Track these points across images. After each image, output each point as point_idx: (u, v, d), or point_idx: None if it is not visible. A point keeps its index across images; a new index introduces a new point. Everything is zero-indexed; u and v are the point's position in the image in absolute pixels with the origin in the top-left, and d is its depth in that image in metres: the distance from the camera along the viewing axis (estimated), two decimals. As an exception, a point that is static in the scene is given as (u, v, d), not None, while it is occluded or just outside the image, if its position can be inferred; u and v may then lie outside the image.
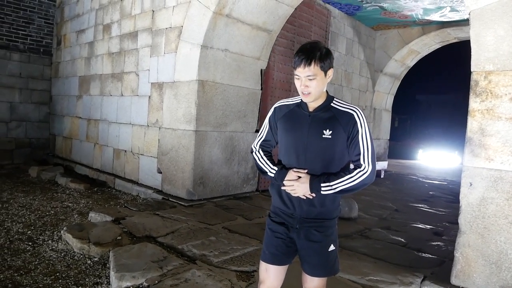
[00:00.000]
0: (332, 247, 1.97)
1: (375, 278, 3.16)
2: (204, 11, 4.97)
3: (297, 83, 1.82)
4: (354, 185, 1.80)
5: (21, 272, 3.21)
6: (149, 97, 5.93)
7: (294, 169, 1.86)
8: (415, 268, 3.47)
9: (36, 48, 8.54)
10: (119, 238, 3.75)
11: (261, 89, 6.02)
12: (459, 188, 2.95)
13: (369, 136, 1.82)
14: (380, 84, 10.56)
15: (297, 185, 1.83)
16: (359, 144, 1.81)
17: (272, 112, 2.04)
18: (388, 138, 11.79)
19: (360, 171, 1.80)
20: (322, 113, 1.86)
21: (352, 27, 9.23)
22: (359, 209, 5.43)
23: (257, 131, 6.05)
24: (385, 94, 11.03)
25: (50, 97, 8.87)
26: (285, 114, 1.96)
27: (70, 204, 5.37)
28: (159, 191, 5.66)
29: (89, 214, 4.63)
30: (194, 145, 5.16)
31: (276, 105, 2.04)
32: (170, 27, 5.52)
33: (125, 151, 6.47)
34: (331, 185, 1.80)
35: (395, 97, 11.62)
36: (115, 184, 6.50)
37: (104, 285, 3.03)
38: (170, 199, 5.33)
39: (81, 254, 3.58)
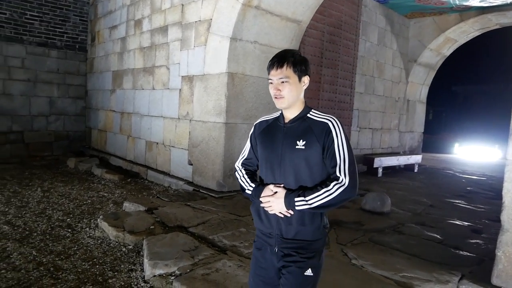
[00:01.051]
0: (309, 272, 1.75)
1: (409, 275, 3.09)
2: (233, 3, 4.98)
3: (270, 89, 1.73)
4: (332, 199, 1.63)
5: (62, 257, 3.36)
6: (180, 90, 6.01)
7: (271, 185, 1.75)
8: (452, 266, 3.34)
9: (72, 45, 8.83)
10: (152, 227, 3.85)
11: (291, 81, 5.98)
12: (500, 184, 2.82)
13: (347, 145, 1.69)
14: (414, 75, 10.26)
15: (272, 201, 1.72)
16: (335, 155, 1.67)
17: (253, 130, 1.97)
18: (422, 131, 11.47)
19: (337, 183, 1.65)
20: (297, 124, 1.75)
21: (384, 16, 9.00)
22: (392, 204, 5.32)
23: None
24: (419, 85, 10.71)
25: (85, 92, 9.17)
26: (264, 129, 1.88)
27: (105, 194, 5.55)
28: (190, 183, 5.76)
29: (124, 204, 4.78)
30: (224, 137, 5.20)
31: (257, 121, 1.96)
32: (200, 20, 5.57)
33: (157, 143, 6.61)
34: (306, 200, 1.66)
35: (430, 88, 11.25)
36: (147, 175, 6.66)
37: (138, 272, 3.13)
38: (201, 190, 5.41)
39: (117, 242, 3.71)
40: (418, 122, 11.10)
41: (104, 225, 3.94)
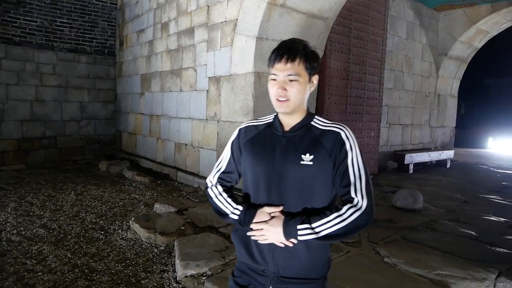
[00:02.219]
0: None
1: (443, 273, 3.01)
2: (258, 3, 4.95)
3: (272, 87, 1.40)
4: (344, 226, 1.30)
5: (96, 259, 3.42)
6: (207, 91, 6.04)
7: (266, 207, 1.40)
8: (488, 263, 3.25)
9: (101, 50, 9.03)
10: (182, 228, 3.88)
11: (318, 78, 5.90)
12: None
13: (362, 161, 1.37)
14: (444, 69, 9.97)
15: (267, 228, 1.36)
16: (348, 172, 1.35)
17: (236, 136, 1.57)
18: (454, 126, 11.14)
19: (352, 207, 1.32)
20: (300, 134, 1.42)
21: (412, 10, 8.79)
22: (424, 200, 5.20)
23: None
24: (450, 79, 10.40)
25: (115, 96, 9.36)
26: (252, 137, 1.51)
27: (136, 196, 5.63)
28: (219, 183, 5.76)
29: (154, 205, 4.83)
30: (251, 137, 5.17)
31: (241, 126, 1.59)
32: (225, 21, 5.57)
33: (186, 144, 6.66)
34: (312, 228, 1.31)
35: (461, 81, 10.91)
36: (177, 176, 6.73)
37: (170, 272, 3.15)
38: (230, 191, 5.40)
39: (148, 243, 3.75)
40: (449, 116, 10.79)
41: (136, 226, 3.99)
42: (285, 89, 1.36)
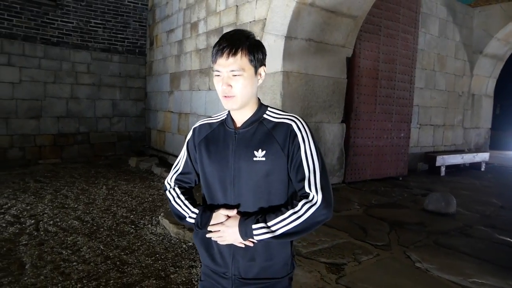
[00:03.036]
0: None
1: (479, 281, 2.91)
2: (287, 2, 4.95)
3: (217, 83, 1.33)
4: (301, 223, 1.25)
5: (127, 251, 3.53)
6: (235, 90, 6.08)
7: (222, 209, 1.36)
8: (528, 273, 3.11)
9: (132, 49, 9.26)
10: (210, 225, 3.93)
11: (347, 77, 5.86)
12: None
13: (316, 153, 1.31)
14: (479, 67, 9.63)
15: (223, 229, 1.32)
16: (302, 165, 1.29)
17: (191, 135, 1.51)
18: (489, 127, 10.75)
19: (307, 202, 1.27)
20: (252, 129, 1.37)
21: (445, 6, 8.55)
22: (457, 204, 5.03)
23: (342, 121, 5.91)
24: (485, 78, 10.04)
25: (145, 94, 9.58)
26: (206, 135, 1.46)
27: (165, 193, 5.76)
28: (246, 182, 5.80)
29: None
30: (279, 136, 5.18)
31: (196, 124, 1.53)
32: (254, 21, 5.60)
33: (214, 143, 6.73)
34: (268, 227, 1.27)
35: (497, 81, 10.50)
36: (205, 174, 6.80)
37: (198, 268, 3.21)
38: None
39: (177, 239, 3.83)
40: (484, 117, 10.41)
41: (165, 222, 4.08)
42: (229, 85, 1.30)
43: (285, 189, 1.36)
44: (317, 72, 5.42)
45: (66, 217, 4.46)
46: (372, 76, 6.36)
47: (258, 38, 5.30)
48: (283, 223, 1.27)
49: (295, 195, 1.37)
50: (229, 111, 1.44)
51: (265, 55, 1.38)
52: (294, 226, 1.26)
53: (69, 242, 3.71)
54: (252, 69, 1.31)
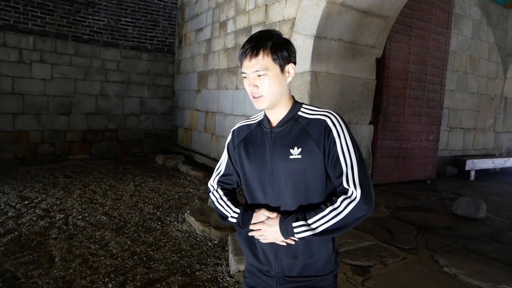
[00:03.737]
0: None
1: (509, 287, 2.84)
2: (317, 1, 4.91)
3: (245, 85, 1.37)
4: (341, 219, 1.25)
5: (153, 247, 3.58)
6: (262, 89, 6.08)
7: (263, 209, 1.38)
8: (559, 281, 3.02)
9: (161, 48, 9.38)
10: (235, 224, 3.94)
11: (376, 79, 5.76)
12: None
13: (353, 146, 1.30)
14: (513, 70, 9.33)
15: (264, 228, 1.34)
16: (339, 160, 1.29)
17: (230, 137, 1.54)
18: (522, 131, 10.40)
19: (346, 198, 1.26)
20: (287, 127, 1.37)
21: (479, 7, 8.31)
22: (487, 210, 4.90)
23: (370, 122, 5.82)
24: (519, 81, 9.71)
25: (172, 92, 9.69)
26: (245, 137, 1.48)
27: (191, 190, 5.81)
28: (271, 181, 5.79)
29: (208, 200, 4.96)
30: (306, 136, 5.15)
31: (235, 127, 1.56)
32: (283, 20, 5.58)
33: (239, 142, 6.75)
34: (308, 224, 1.27)
35: (531, 84, 10.15)
36: (230, 173, 6.83)
37: (223, 266, 3.23)
38: (282, 189, 5.42)
39: (203, 236, 3.86)
40: (517, 121, 10.09)
41: (191, 219, 4.12)
42: (256, 86, 1.32)
43: (324, 186, 1.35)
44: (346, 73, 5.35)
45: (94, 212, 4.55)
46: (401, 78, 6.24)
47: (287, 37, 5.27)
48: (323, 220, 1.27)
49: (335, 192, 1.35)
50: (264, 112, 1.46)
51: (293, 52, 1.37)
52: (335, 223, 1.26)
53: (97, 236, 3.79)
54: (277, 68, 1.32)
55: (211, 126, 7.81)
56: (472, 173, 7.87)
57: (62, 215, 4.37)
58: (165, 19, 9.36)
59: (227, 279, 3.00)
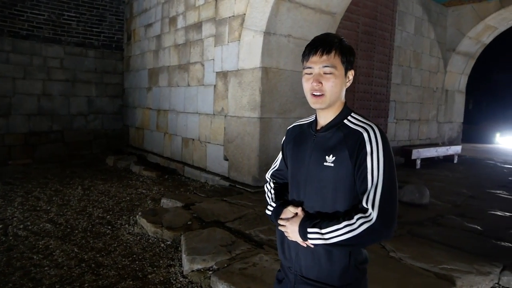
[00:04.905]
0: None
1: (448, 267, 3.04)
2: (266, -3, 4.93)
3: (306, 81, 1.35)
4: (354, 237, 1.23)
5: (102, 253, 3.44)
6: (215, 86, 6.03)
7: (291, 206, 1.41)
8: (493, 257, 3.28)
9: (108, 44, 9.04)
10: (189, 223, 3.89)
11: (325, 74, 5.88)
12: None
13: (384, 166, 1.26)
14: (452, 64, 9.89)
15: (288, 225, 1.37)
16: (366, 177, 1.25)
17: (285, 136, 1.61)
18: (462, 121, 11.09)
19: (362, 217, 1.24)
20: (330, 133, 1.36)
21: (421, 5, 8.72)
22: (431, 195, 5.23)
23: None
24: (458, 74, 10.33)
25: (122, 90, 9.38)
26: (294, 137, 1.51)
27: (143, 191, 5.65)
28: (226, 178, 5.78)
29: (161, 200, 4.85)
30: (259, 132, 5.18)
31: (290, 126, 1.60)
32: (233, 16, 5.55)
33: (193, 139, 6.68)
34: (322, 233, 1.27)
35: (469, 77, 10.85)
36: (184, 171, 6.74)
37: (176, 267, 3.16)
38: (237, 185, 5.42)
39: (155, 238, 3.77)
40: (457, 112, 10.74)
41: (142, 221, 4.01)
42: (320, 83, 1.31)
43: (349, 197, 1.33)
44: (296, 68, 5.42)
45: (37, 220, 4.29)
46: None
47: (237, 33, 5.26)
48: (336, 233, 1.26)
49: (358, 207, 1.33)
50: (316, 113, 1.46)
51: (354, 60, 1.39)
52: (347, 239, 1.24)
53: (40, 246, 3.57)
54: (343, 70, 1.33)
55: (163, 124, 7.65)
56: (418, 162, 8.28)
57: (0, 226, 4.06)
58: (112, 14, 9.02)
59: (180, 279, 2.95)
